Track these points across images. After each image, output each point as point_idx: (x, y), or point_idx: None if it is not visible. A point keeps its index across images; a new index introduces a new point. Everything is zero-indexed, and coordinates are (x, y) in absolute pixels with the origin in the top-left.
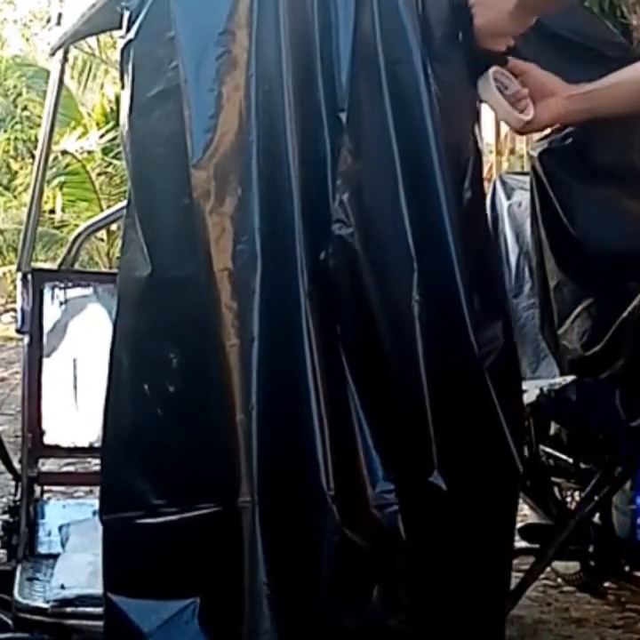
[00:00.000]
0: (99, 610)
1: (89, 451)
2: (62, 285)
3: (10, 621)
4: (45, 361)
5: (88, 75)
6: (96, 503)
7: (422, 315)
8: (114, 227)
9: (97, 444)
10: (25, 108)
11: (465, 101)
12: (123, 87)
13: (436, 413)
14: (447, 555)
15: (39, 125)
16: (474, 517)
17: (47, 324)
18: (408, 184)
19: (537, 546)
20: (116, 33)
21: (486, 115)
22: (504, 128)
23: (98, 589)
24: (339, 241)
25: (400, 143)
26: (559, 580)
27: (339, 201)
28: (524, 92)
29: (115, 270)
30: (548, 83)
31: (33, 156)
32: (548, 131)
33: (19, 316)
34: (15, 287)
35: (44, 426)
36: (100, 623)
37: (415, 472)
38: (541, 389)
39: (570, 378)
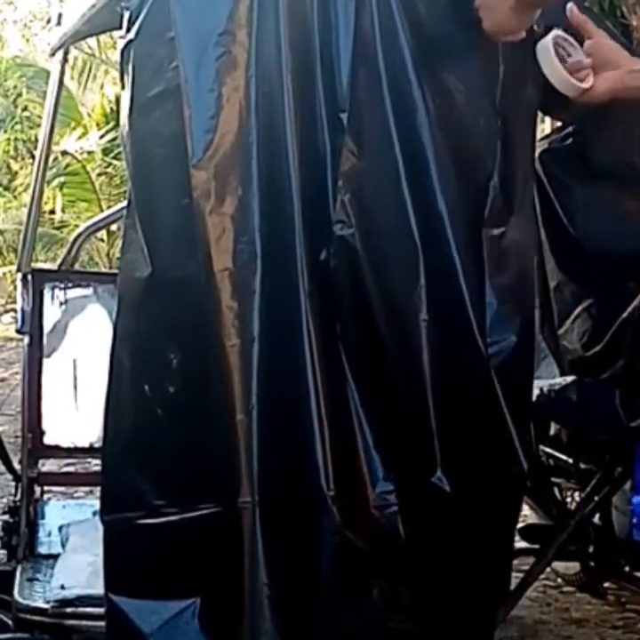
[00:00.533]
0: (99, 610)
1: (89, 451)
2: (62, 286)
3: (10, 622)
4: (45, 361)
5: (88, 75)
6: (96, 503)
7: (424, 314)
8: (114, 227)
9: (97, 445)
10: (25, 109)
11: (479, 97)
12: (123, 87)
13: (438, 413)
14: (447, 555)
15: (39, 126)
16: (475, 518)
17: (47, 325)
18: (410, 184)
19: (537, 546)
20: (116, 33)
21: None
22: None
23: (98, 590)
24: (340, 241)
25: (401, 143)
26: (559, 580)
27: (340, 201)
28: (586, 62)
29: (115, 271)
30: (613, 54)
31: (33, 157)
32: (548, 131)
33: (19, 316)
34: (15, 287)
35: (44, 426)
36: (100, 623)
37: (416, 472)
38: (541, 389)
39: (570, 378)
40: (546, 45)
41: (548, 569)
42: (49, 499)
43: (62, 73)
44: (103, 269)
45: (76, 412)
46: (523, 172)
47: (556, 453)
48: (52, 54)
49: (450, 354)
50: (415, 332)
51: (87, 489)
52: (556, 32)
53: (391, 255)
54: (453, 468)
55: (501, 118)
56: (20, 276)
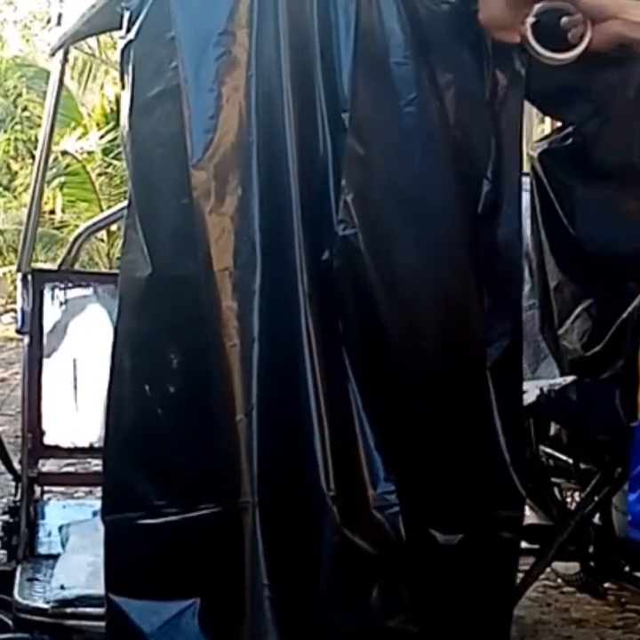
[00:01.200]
0: (99, 610)
1: (89, 451)
2: (62, 286)
3: (10, 622)
4: (45, 361)
5: (88, 75)
6: (96, 504)
7: (426, 313)
8: (114, 227)
9: (97, 445)
10: (25, 109)
11: (475, 95)
12: (123, 88)
13: (441, 413)
14: (448, 555)
15: (39, 126)
16: (476, 519)
17: (47, 325)
18: (412, 183)
19: (537, 546)
20: (116, 33)
21: None
22: None
23: (98, 590)
24: (343, 241)
25: (404, 142)
26: (559, 580)
27: (343, 201)
28: (578, 18)
29: (115, 271)
30: (598, 3)
31: (33, 157)
32: (548, 131)
33: (19, 316)
34: (15, 287)
35: (44, 426)
36: (100, 623)
37: (416, 472)
38: (541, 389)
39: (570, 378)
40: (524, 30)
41: (548, 569)
42: (49, 499)
43: (62, 73)
44: (103, 269)
45: (76, 412)
46: (511, 169)
47: (556, 453)
48: (52, 54)
49: (451, 354)
50: (418, 333)
51: (87, 489)
52: (539, 5)
53: (394, 255)
54: (452, 468)
55: (490, 110)
56: (20, 276)
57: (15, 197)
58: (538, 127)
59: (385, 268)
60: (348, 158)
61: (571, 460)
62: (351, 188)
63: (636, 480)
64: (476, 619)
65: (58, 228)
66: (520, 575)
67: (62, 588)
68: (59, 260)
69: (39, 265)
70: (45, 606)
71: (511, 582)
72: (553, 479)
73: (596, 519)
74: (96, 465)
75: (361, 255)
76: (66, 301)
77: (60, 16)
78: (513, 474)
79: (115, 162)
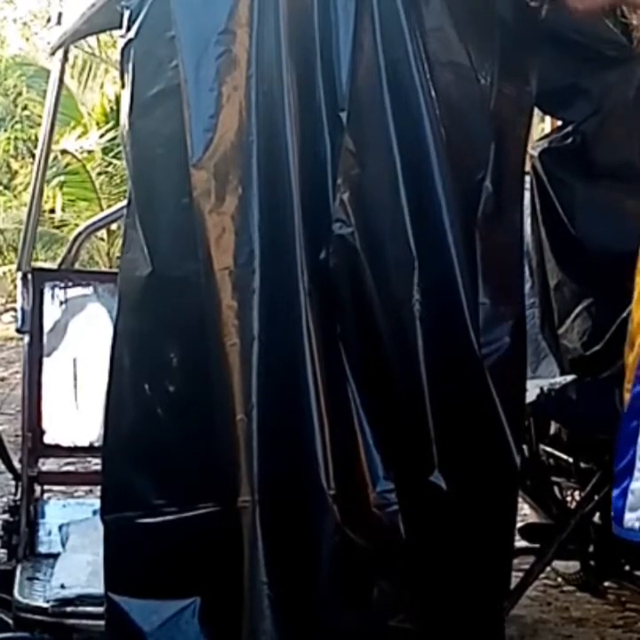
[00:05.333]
0: (99, 609)
1: (89, 450)
2: (62, 285)
3: (10, 621)
4: (45, 361)
5: (88, 74)
6: (96, 503)
7: (423, 314)
8: (114, 226)
9: (97, 444)
10: (25, 108)
11: (475, 97)
12: (123, 87)
13: (437, 412)
14: (447, 554)
15: (39, 125)
16: (473, 517)
17: (47, 324)
18: (408, 183)
19: (537, 545)
20: (117, 32)
21: None
22: None
23: (98, 589)
24: (339, 240)
25: (400, 142)
26: (559, 579)
27: (339, 200)
28: None
29: (115, 270)
30: None
31: (33, 156)
32: (548, 130)
33: (19, 315)
34: (15, 287)
35: (44, 425)
36: (101, 622)
37: (415, 471)
38: (541, 389)
39: (570, 378)
40: None
41: (548, 568)
42: (49, 498)
43: (62, 72)
44: (103, 268)
45: (75, 411)
46: (513, 174)
47: (556, 453)
48: (53, 53)
49: (446, 353)
50: (413, 332)
51: (87, 488)
52: None
53: (390, 254)
54: (450, 467)
55: (495, 120)
56: (20, 275)
57: (15, 196)
58: (538, 127)
59: (381, 266)
60: (344, 157)
61: (571, 460)
62: (347, 187)
63: (620, 475)
64: (471, 618)
65: (58, 227)
66: (520, 574)
67: (62, 586)
68: (59, 259)
69: (39, 264)
70: (45, 605)
71: (506, 580)
72: (553, 478)
73: (596, 518)
74: (96, 464)
75: (357, 254)
76: (66, 300)
77: (60, 15)
78: (511, 474)
79: (115, 161)
